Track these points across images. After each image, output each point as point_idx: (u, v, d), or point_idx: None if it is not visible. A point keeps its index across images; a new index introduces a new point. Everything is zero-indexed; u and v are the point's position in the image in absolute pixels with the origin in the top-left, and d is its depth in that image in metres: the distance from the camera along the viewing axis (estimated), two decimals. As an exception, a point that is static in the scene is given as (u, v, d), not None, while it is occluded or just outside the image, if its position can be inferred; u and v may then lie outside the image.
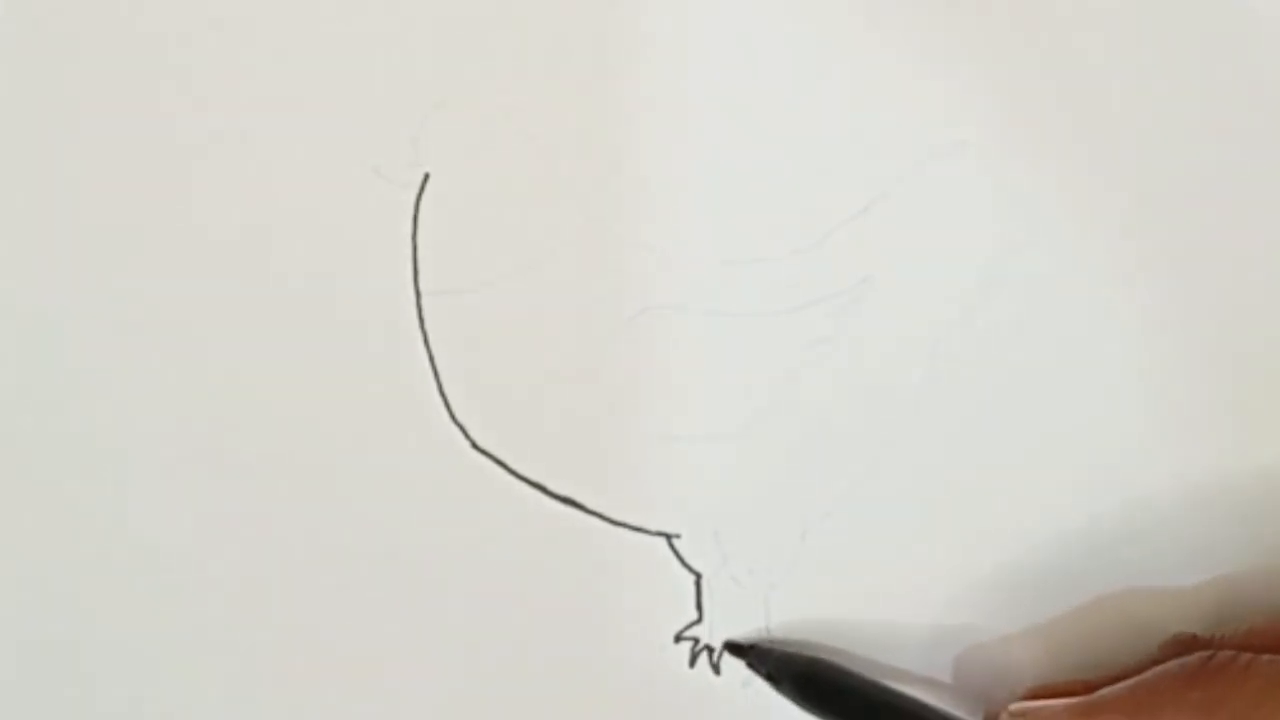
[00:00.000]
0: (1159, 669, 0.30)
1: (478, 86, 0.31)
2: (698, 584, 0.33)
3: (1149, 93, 0.32)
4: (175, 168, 0.31)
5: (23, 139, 0.31)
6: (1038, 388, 0.33)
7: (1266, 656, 0.29)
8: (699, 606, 0.33)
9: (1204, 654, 0.29)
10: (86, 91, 0.31)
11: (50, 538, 0.33)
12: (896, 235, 0.32)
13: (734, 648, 0.33)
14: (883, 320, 0.32)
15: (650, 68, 0.31)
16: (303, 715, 0.33)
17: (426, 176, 0.32)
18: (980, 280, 0.32)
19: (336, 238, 0.32)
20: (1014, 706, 0.31)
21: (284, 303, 0.32)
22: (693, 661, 0.33)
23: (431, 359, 0.32)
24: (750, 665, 0.33)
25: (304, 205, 0.32)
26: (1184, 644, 0.31)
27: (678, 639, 0.33)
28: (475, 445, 0.32)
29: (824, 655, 0.33)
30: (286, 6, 0.31)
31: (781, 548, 0.33)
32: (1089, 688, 0.30)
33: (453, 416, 0.32)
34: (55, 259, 0.32)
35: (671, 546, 0.33)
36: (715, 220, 0.32)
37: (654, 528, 0.33)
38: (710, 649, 0.33)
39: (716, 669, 0.33)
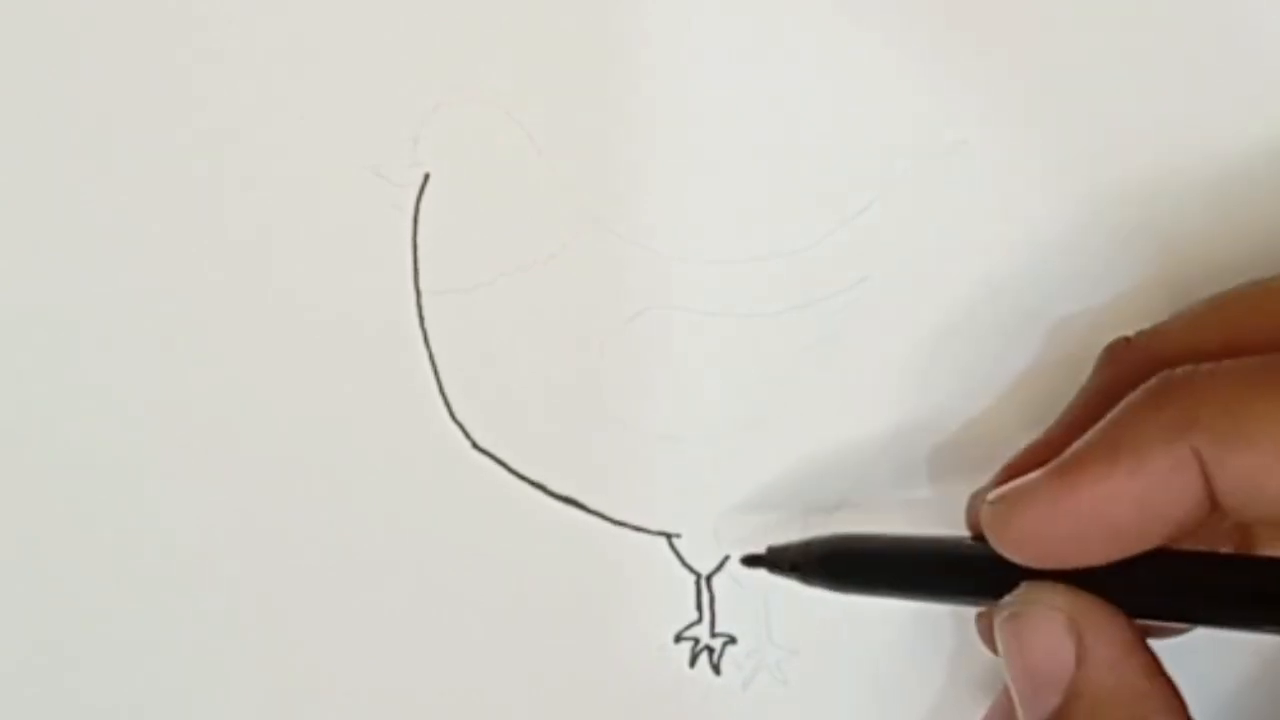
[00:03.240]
0: (1124, 405, 0.27)
1: (478, 86, 0.31)
2: (698, 584, 0.33)
3: (1149, 92, 0.32)
4: (174, 167, 0.31)
5: (21, 139, 0.31)
6: (1037, 387, 0.33)
7: (1228, 361, 0.26)
8: (699, 606, 0.33)
9: (1163, 373, 0.27)
10: (85, 90, 0.31)
11: (50, 538, 0.33)
12: (896, 235, 0.32)
13: (750, 560, 0.31)
14: (883, 320, 0.32)
15: (650, 67, 0.31)
16: (302, 714, 0.33)
17: (426, 176, 0.32)
18: (980, 280, 0.32)
19: (336, 237, 0.32)
20: (991, 494, 0.28)
21: (284, 303, 0.32)
22: (693, 661, 0.33)
23: (431, 359, 0.32)
24: (772, 570, 0.31)
25: (304, 205, 0.32)
26: (1117, 350, 0.30)
27: (678, 639, 0.33)
28: (475, 445, 0.32)
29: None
30: (287, 6, 0.31)
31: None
32: (1051, 447, 0.28)
33: (453, 416, 0.32)
34: (53, 259, 0.32)
35: (672, 546, 0.33)
36: (715, 220, 0.32)
37: (654, 528, 0.33)
38: (710, 649, 0.33)
39: (716, 669, 0.33)
